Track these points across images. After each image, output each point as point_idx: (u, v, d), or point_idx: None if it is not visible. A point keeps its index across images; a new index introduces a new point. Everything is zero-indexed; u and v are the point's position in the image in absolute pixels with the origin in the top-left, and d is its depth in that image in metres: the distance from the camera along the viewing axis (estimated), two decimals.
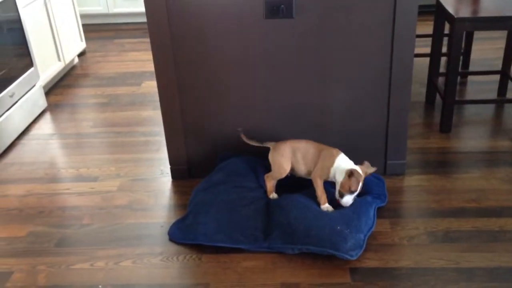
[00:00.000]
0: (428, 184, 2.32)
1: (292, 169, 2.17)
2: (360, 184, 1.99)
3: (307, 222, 1.94)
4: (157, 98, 3.19)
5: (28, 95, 3.10)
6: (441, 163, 2.48)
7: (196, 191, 2.25)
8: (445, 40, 3.33)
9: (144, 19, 4.68)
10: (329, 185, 2.16)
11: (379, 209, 2.14)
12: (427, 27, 3.95)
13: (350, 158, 2.10)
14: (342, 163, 2.05)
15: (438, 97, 3.07)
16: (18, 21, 3.06)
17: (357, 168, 2.02)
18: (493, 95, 3.09)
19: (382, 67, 2.20)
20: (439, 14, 2.85)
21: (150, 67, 3.81)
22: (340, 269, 1.86)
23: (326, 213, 2.00)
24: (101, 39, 4.62)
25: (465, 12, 2.59)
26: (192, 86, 2.28)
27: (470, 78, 3.33)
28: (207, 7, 2.11)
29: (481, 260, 1.86)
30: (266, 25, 2.14)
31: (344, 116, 2.30)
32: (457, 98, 2.90)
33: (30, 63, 3.16)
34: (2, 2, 2.88)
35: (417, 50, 3.39)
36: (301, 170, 2.14)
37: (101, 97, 3.46)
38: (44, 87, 3.46)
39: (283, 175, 2.16)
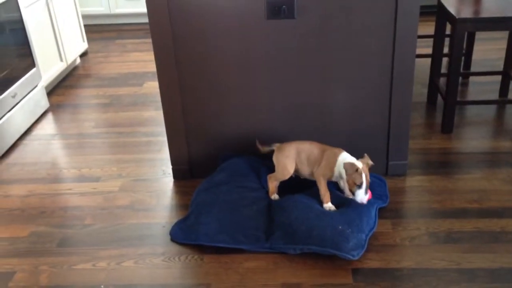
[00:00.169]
0: (430, 185, 2.32)
1: (297, 170, 2.17)
2: (363, 175, 1.97)
3: (308, 222, 1.95)
4: (159, 98, 3.20)
5: (30, 95, 3.11)
6: (443, 164, 2.48)
7: (198, 191, 2.26)
8: (447, 40, 3.33)
9: (146, 20, 4.69)
10: (332, 186, 2.16)
11: (380, 210, 2.14)
12: (428, 28, 3.95)
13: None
14: (345, 160, 2.05)
15: (439, 97, 3.07)
16: (20, 21, 3.07)
17: (355, 161, 2.02)
18: (494, 95, 3.09)
19: (384, 68, 2.20)
20: (441, 14, 2.85)
21: (152, 67, 3.82)
22: (342, 269, 1.86)
23: (328, 213, 2.00)
24: (103, 40, 4.62)
25: (466, 12, 2.59)
26: (194, 87, 2.28)
27: (472, 78, 3.33)
28: (209, 7, 2.12)
29: (482, 261, 1.86)
30: (267, 26, 2.14)
31: (346, 116, 2.31)
32: (458, 99, 2.90)
33: (32, 64, 3.17)
34: (4, 2, 2.89)
35: (419, 51, 3.38)
36: (305, 170, 2.15)
37: (103, 98, 3.46)
38: (46, 88, 3.47)
39: (286, 177, 2.17)
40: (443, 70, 3.21)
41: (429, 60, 3.48)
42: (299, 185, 2.22)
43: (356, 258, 1.86)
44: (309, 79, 2.24)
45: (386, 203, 2.18)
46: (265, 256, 1.95)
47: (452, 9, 2.62)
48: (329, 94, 2.27)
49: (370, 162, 2.05)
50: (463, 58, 3.32)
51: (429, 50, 3.42)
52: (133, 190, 2.42)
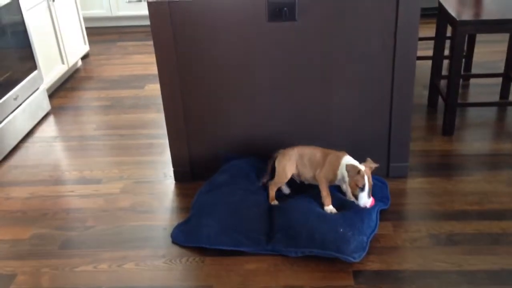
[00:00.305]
0: (431, 187, 2.32)
1: (300, 174, 2.17)
2: (366, 177, 1.97)
3: (310, 226, 1.95)
4: (160, 101, 3.20)
5: (31, 98, 3.12)
6: (444, 166, 2.48)
7: (199, 193, 2.26)
8: (448, 43, 3.33)
9: (147, 22, 4.70)
10: (334, 188, 2.16)
11: (382, 212, 2.14)
12: (429, 30, 3.95)
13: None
14: (347, 163, 2.05)
15: (440, 99, 3.07)
16: (22, 24, 3.08)
17: (357, 164, 2.02)
18: (495, 97, 3.09)
19: (385, 70, 2.20)
20: (442, 17, 2.85)
21: (154, 70, 3.82)
22: (343, 272, 1.86)
23: (329, 216, 2.00)
24: (105, 42, 4.63)
25: (467, 15, 2.60)
26: (195, 89, 2.29)
27: (473, 80, 3.34)
28: (210, 10, 2.12)
29: (483, 263, 1.87)
30: (269, 28, 2.15)
31: (347, 118, 2.31)
32: (459, 101, 2.90)
33: (33, 66, 3.18)
34: (6, 5, 2.90)
35: (420, 53, 3.38)
36: (308, 174, 2.14)
37: (104, 100, 3.47)
38: (47, 90, 3.47)
39: (284, 180, 2.17)
40: (444, 72, 3.22)
41: (430, 62, 3.48)
42: (301, 188, 2.22)
43: (358, 260, 1.86)
44: (310, 81, 2.25)
45: (388, 205, 2.18)
46: (266, 259, 1.95)
47: (453, 12, 2.63)
48: (330, 96, 2.27)
49: (374, 165, 2.05)
50: (463, 60, 3.32)
51: (430, 52, 3.42)
52: (135, 192, 2.42)
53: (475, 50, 3.41)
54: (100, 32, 4.88)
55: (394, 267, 1.88)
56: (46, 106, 3.30)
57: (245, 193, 2.18)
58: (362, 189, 1.97)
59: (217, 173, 2.34)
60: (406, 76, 2.20)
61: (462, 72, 3.25)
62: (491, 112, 2.96)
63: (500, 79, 3.13)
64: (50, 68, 3.50)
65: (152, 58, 4.04)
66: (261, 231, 2.02)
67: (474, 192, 2.27)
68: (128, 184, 2.49)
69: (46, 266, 1.99)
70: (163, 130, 2.94)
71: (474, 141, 2.67)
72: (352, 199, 2.09)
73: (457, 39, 2.54)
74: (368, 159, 2.08)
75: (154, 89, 3.57)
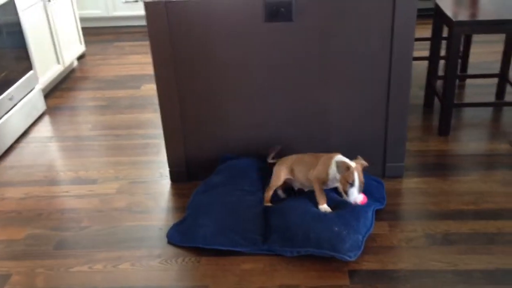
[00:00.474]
0: (427, 187, 2.32)
1: (295, 179, 2.18)
2: (356, 173, 1.96)
3: (305, 225, 1.95)
4: (156, 101, 3.19)
5: (27, 98, 3.11)
6: (440, 166, 2.48)
7: (195, 193, 2.26)
8: (444, 43, 3.34)
9: (144, 22, 4.69)
10: (330, 189, 2.16)
11: (378, 212, 2.14)
12: (425, 31, 3.96)
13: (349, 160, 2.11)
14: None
15: (436, 100, 3.07)
16: (18, 24, 3.07)
17: (347, 161, 2.02)
18: (491, 98, 3.10)
19: (381, 70, 2.20)
20: (438, 17, 2.86)
21: (150, 70, 3.82)
22: (339, 271, 1.86)
23: (324, 215, 2.00)
24: (101, 42, 4.63)
25: (463, 15, 2.60)
26: (192, 89, 2.29)
27: (469, 81, 3.34)
28: (207, 10, 2.12)
29: (479, 263, 1.87)
30: (266, 28, 2.14)
31: (343, 118, 2.31)
32: (455, 101, 2.91)
33: (29, 66, 3.17)
34: (2, 5, 2.89)
35: (416, 54, 3.39)
36: (302, 177, 2.15)
37: (100, 100, 3.46)
38: (43, 90, 3.46)
39: (278, 183, 2.19)
40: (440, 72, 3.22)
41: (426, 62, 3.49)
42: (297, 195, 2.23)
43: (353, 259, 1.86)
44: (306, 82, 2.25)
45: (384, 205, 2.18)
46: (262, 258, 1.94)
47: (449, 12, 2.63)
48: (326, 96, 2.27)
49: (364, 163, 2.05)
50: (459, 60, 3.33)
51: (426, 53, 3.42)
52: (130, 193, 2.42)
53: (471, 50, 3.42)
54: (96, 32, 4.87)
55: (390, 267, 1.88)
56: (41, 106, 3.29)
57: (241, 193, 2.17)
58: (352, 184, 1.97)
59: (213, 174, 2.33)
60: (403, 77, 2.21)
61: (458, 73, 3.26)
62: (487, 112, 2.96)
63: (496, 80, 3.14)
64: (45, 68, 3.49)
65: (149, 58, 4.03)
66: (257, 231, 2.02)
67: (470, 192, 2.27)
68: (123, 184, 2.49)
69: (40, 266, 1.98)
70: (159, 130, 2.94)
71: (470, 141, 2.68)
72: (345, 197, 2.10)
73: (453, 39, 2.54)
74: (359, 157, 2.08)
75: (151, 89, 3.56)
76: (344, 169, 1.97)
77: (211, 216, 2.07)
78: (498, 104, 3.01)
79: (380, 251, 1.95)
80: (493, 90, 3.13)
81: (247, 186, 2.22)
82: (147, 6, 2.11)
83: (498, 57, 3.37)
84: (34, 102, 3.19)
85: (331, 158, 2.07)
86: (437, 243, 1.98)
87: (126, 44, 4.55)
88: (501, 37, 3.33)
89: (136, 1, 4.84)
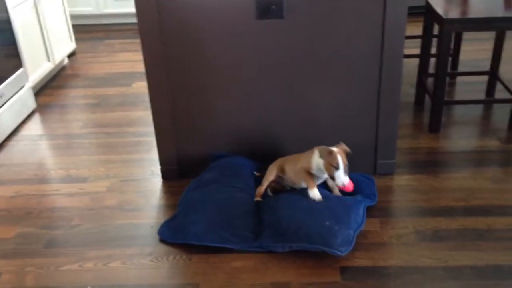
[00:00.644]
0: (417, 184, 2.34)
1: (286, 179, 2.19)
2: (339, 156, 1.97)
3: (296, 220, 1.95)
4: (147, 98, 3.19)
5: (17, 96, 3.08)
6: (430, 163, 2.49)
7: (187, 190, 2.25)
8: (435, 41, 3.35)
9: (134, 20, 4.67)
10: (320, 186, 2.16)
11: (369, 208, 2.15)
12: (416, 28, 3.98)
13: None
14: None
15: (427, 97, 3.09)
16: (8, 21, 3.04)
17: (329, 147, 2.03)
18: (481, 95, 3.12)
19: (372, 68, 2.21)
20: (429, 15, 2.87)
21: (141, 67, 3.80)
22: (330, 268, 1.87)
23: (316, 210, 1.98)
24: (92, 40, 4.60)
25: (454, 13, 2.62)
26: (183, 86, 2.28)
27: (459, 78, 3.36)
28: (198, 7, 2.12)
29: (468, 259, 1.88)
30: (256, 26, 2.14)
31: (335, 116, 2.31)
32: (446, 99, 2.92)
33: (19, 64, 3.14)
34: None
35: (407, 51, 3.40)
36: (292, 174, 2.16)
37: (91, 98, 3.44)
38: (33, 88, 3.44)
39: (269, 177, 2.20)
40: (431, 70, 3.24)
41: (417, 60, 3.50)
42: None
43: (344, 254, 1.86)
44: (298, 79, 2.25)
45: (375, 202, 2.19)
46: (253, 256, 1.94)
47: (439, 10, 2.64)
48: (317, 93, 2.27)
49: (346, 148, 2.06)
50: (450, 58, 3.35)
51: (417, 51, 3.44)
52: (121, 191, 2.41)
53: (462, 48, 3.44)
54: (87, 30, 4.84)
55: (381, 263, 1.88)
56: (31, 104, 3.26)
57: (233, 190, 2.17)
58: (337, 168, 1.97)
59: (205, 171, 2.33)
60: (394, 74, 2.21)
61: (448, 70, 3.28)
62: (477, 109, 2.98)
63: (486, 77, 3.16)
64: (36, 66, 3.46)
65: (140, 56, 4.01)
66: (248, 228, 2.02)
67: (460, 188, 2.28)
68: (114, 182, 2.48)
69: (31, 265, 1.97)
70: (151, 128, 2.92)
71: (460, 138, 2.70)
72: (337, 192, 2.12)
73: (444, 37, 2.55)
74: (341, 142, 2.10)
75: (142, 86, 3.55)
76: (327, 154, 1.98)
77: (202, 213, 2.06)
78: (488, 101, 3.03)
79: (371, 247, 1.96)
80: (483, 87, 3.15)
81: (239, 184, 2.22)
82: (137, 3, 2.10)
83: (489, 54, 3.39)
84: (24, 100, 3.16)
85: (312, 150, 2.09)
86: (427, 239, 1.99)
87: (117, 41, 4.53)
88: (491, 34, 3.35)
89: None
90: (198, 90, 2.29)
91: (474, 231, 2.02)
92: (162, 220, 2.17)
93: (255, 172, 2.31)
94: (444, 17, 2.54)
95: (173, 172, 2.46)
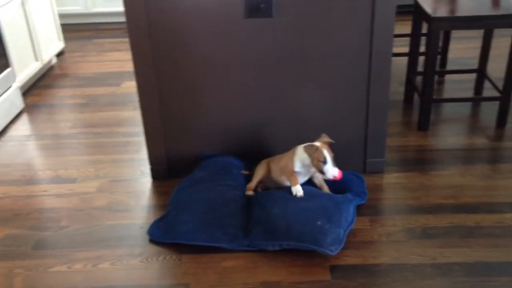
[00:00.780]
0: (407, 182, 2.35)
1: (270, 180, 2.20)
2: (325, 150, 2.01)
3: (287, 219, 1.95)
4: (137, 98, 3.17)
5: (4, 96, 3.05)
6: (419, 161, 2.51)
7: (177, 189, 2.24)
8: (423, 39, 3.37)
9: (123, 19, 4.64)
10: (308, 183, 2.17)
11: (359, 207, 2.15)
12: (405, 27, 4.00)
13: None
14: (302, 149, 2.09)
15: (416, 95, 3.10)
16: None
17: (312, 143, 2.06)
18: (469, 93, 3.14)
19: (361, 66, 2.21)
20: (417, 14, 2.88)
21: (130, 67, 3.78)
22: (320, 266, 1.87)
23: (306, 208, 1.98)
24: (80, 39, 4.56)
25: (442, 11, 2.63)
26: (172, 86, 2.27)
27: (448, 77, 3.38)
28: (187, 6, 2.11)
29: (457, 256, 1.89)
30: (245, 25, 2.14)
31: (324, 114, 2.32)
32: (434, 97, 2.94)
33: (6, 64, 3.11)
34: None
35: (396, 50, 3.42)
36: (276, 173, 2.17)
37: (80, 98, 3.42)
38: (21, 88, 3.41)
39: (256, 175, 2.21)
40: (420, 68, 3.25)
41: (406, 58, 3.52)
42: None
43: (334, 253, 1.87)
44: (287, 77, 2.25)
45: (365, 200, 2.19)
46: (244, 255, 1.94)
47: (428, 8, 2.65)
48: (307, 92, 2.27)
49: (328, 140, 2.09)
50: (439, 56, 3.37)
51: (406, 49, 3.46)
52: (111, 191, 2.39)
53: (450, 46, 3.46)
54: (75, 29, 4.80)
55: (370, 261, 1.89)
56: (19, 104, 3.23)
57: (223, 189, 2.17)
58: (325, 162, 2.00)
59: (196, 169, 2.32)
60: (382, 73, 2.22)
61: (437, 68, 3.29)
62: (466, 107, 3.00)
63: (474, 75, 3.18)
64: (23, 65, 3.43)
65: (129, 55, 3.99)
66: (239, 226, 2.01)
67: (449, 186, 2.30)
68: (104, 182, 2.46)
69: (19, 267, 1.95)
70: (140, 128, 2.91)
71: (449, 136, 2.71)
72: (326, 190, 2.13)
73: (432, 35, 2.57)
74: (322, 135, 2.12)
75: (131, 86, 3.53)
76: (314, 150, 2.01)
77: (192, 212, 2.06)
78: (476, 99, 3.05)
79: (361, 246, 1.97)
80: (472, 85, 3.17)
81: (228, 182, 2.22)
82: (126, 2, 2.09)
83: (477, 53, 3.42)
84: (12, 100, 3.13)
85: (293, 149, 2.12)
86: (417, 237, 2.00)
87: (106, 41, 4.50)
88: (479, 33, 3.37)
89: None
90: (187, 89, 2.28)
91: (463, 228, 2.04)
92: (152, 220, 2.16)
93: (243, 171, 2.31)
94: (432, 15, 2.55)
95: (163, 171, 2.45)
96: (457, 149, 2.59)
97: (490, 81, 2.92)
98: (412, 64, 3.01)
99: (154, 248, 2.01)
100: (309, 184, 2.17)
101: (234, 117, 2.33)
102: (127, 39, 4.24)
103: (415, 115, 2.93)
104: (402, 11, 3.98)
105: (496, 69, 3.26)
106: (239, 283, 1.83)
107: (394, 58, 3.50)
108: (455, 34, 3.83)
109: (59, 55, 4.18)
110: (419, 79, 3.05)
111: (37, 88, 3.60)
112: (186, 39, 2.17)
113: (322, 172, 2.03)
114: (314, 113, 2.31)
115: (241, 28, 2.14)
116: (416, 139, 2.69)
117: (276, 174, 2.16)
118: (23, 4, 3.44)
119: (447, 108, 3.00)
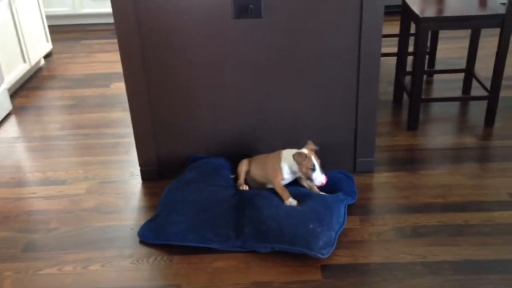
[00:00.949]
0: (396, 181, 2.36)
1: (251, 175, 2.22)
2: (313, 158, 2.06)
3: (279, 221, 1.95)
4: (126, 99, 3.15)
5: None
6: (409, 160, 2.52)
7: (168, 190, 2.23)
8: (412, 39, 3.39)
9: (112, 20, 4.61)
10: (295, 183, 2.17)
11: (349, 206, 2.16)
12: (393, 27, 4.02)
13: (320, 156, 2.13)
14: (288, 155, 2.11)
15: (405, 95, 3.12)
16: None
17: (300, 150, 2.10)
18: (458, 93, 3.17)
19: (350, 67, 2.22)
20: (405, 14, 2.90)
21: (119, 68, 3.76)
22: (311, 266, 1.87)
23: (298, 211, 2.00)
24: (68, 40, 4.53)
25: (430, 12, 2.65)
26: (161, 87, 2.26)
27: (436, 76, 3.41)
28: (176, 6, 2.10)
29: (447, 254, 1.91)
30: (235, 26, 2.14)
31: (313, 114, 2.32)
32: (423, 96, 2.96)
33: None
34: None
35: (384, 50, 3.45)
36: (256, 173, 2.20)
37: (68, 99, 3.39)
38: (9, 90, 3.37)
39: (243, 171, 2.24)
40: (409, 68, 3.28)
41: (394, 58, 3.54)
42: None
43: (326, 256, 1.87)
44: (276, 78, 2.25)
45: (355, 200, 2.20)
46: (235, 256, 1.94)
47: (416, 9, 2.67)
48: (296, 93, 2.28)
49: (314, 146, 2.14)
50: (427, 56, 3.39)
51: (394, 49, 3.48)
52: (100, 193, 2.38)
53: (438, 46, 3.49)
54: (63, 30, 4.77)
55: (361, 260, 1.90)
56: (7, 106, 3.20)
57: (214, 189, 2.17)
58: (313, 169, 2.05)
59: (186, 170, 2.32)
60: (371, 73, 2.23)
61: (425, 68, 3.32)
62: (454, 107, 3.03)
63: (462, 75, 3.21)
64: (11, 67, 3.39)
65: (118, 56, 3.96)
66: (230, 226, 2.01)
67: (438, 185, 2.32)
68: (93, 184, 2.44)
69: (8, 269, 1.93)
70: (129, 129, 2.90)
71: (438, 135, 2.73)
72: (316, 190, 2.15)
73: (420, 35, 2.59)
74: (309, 141, 2.16)
75: (120, 87, 3.51)
76: (303, 158, 2.05)
77: (183, 213, 2.05)
78: (465, 98, 3.08)
79: (352, 245, 1.98)
80: (460, 85, 3.20)
81: (219, 182, 2.21)
82: (114, 3, 2.08)
83: (464, 53, 3.45)
84: None
85: (278, 155, 2.15)
86: (407, 236, 2.01)
87: (94, 42, 4.47)
88: (467, 33, 3.40)
89: None
90: (177, 90, 2.27)
91: (452, 226, 2.05)
92: (142, 221, 2.15)
93: (232, 176, 2.30)
94: (420, 16, 2.57)
95: (153, 173, 2.44)
96: (446, 148, 2.62)
97: (478, 80, 2.95)
98: (400, 64, 3.03)
99: (144, 249, 2.00)
100: (296, 184, 2.18)
101: (225, 118, 2.33)
102: (115, 40, 4.21)
103: (404, 115, 2.95)
104: (390, 12, 4.00)
105: (483, 68, 3.29)
106: (230, 284, 1.82)
107: (383, 58, 3.53)
108: (443, 34, 3.86)
109: (47, 56, 4.15)
110: (408, 79, 3.08)
111: (25, 90, 3.57)
112: (176, 39, 2.16)
113: (310, 178, 2.07)
114: (303, 113, 2.32)
115: (230, 29, 2.14)
116: (405, 139, 2.71)
117: (258, 175, 2.18)
118: (10, 5, 3.41)
119: (436, 108, 3.02)
